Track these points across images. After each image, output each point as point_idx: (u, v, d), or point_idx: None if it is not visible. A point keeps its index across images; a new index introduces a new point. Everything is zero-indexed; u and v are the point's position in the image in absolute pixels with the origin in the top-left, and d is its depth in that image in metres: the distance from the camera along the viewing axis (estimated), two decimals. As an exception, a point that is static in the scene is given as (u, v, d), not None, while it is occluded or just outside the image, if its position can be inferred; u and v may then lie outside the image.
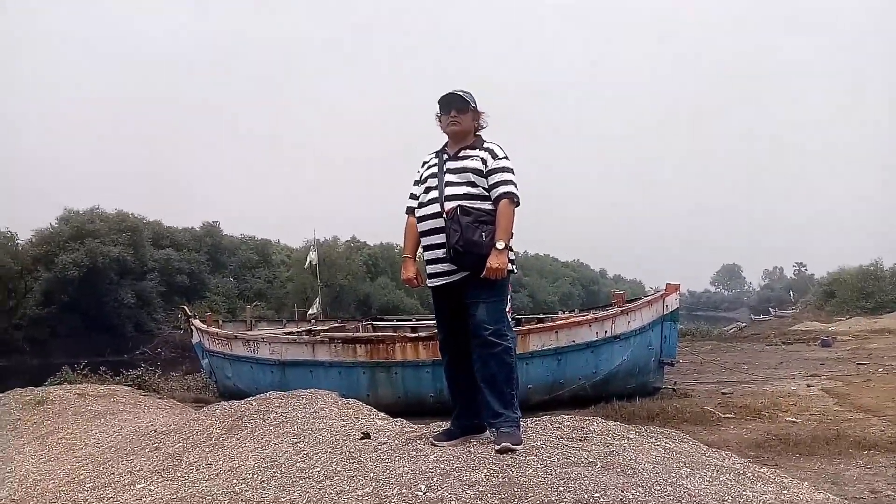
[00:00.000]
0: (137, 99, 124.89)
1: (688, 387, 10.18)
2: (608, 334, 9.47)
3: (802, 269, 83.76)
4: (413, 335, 9.81)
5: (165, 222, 39.71)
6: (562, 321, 10.07)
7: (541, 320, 11.10)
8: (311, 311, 13.97)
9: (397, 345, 9.41)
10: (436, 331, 3.79)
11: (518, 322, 10.38)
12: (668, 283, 10.44)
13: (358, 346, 9.59)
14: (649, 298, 10.33)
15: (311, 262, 15.31)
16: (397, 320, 13.82)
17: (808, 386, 9.49)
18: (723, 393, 9.24)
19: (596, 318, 9.65)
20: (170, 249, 36.43)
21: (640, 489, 2.76)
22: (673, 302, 10.22)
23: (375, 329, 12.47)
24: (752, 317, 48.19)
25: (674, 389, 9.89)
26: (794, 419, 7.14)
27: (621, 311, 9.68)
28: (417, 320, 12.90)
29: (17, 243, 31.94)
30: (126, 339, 30.24)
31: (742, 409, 7.70)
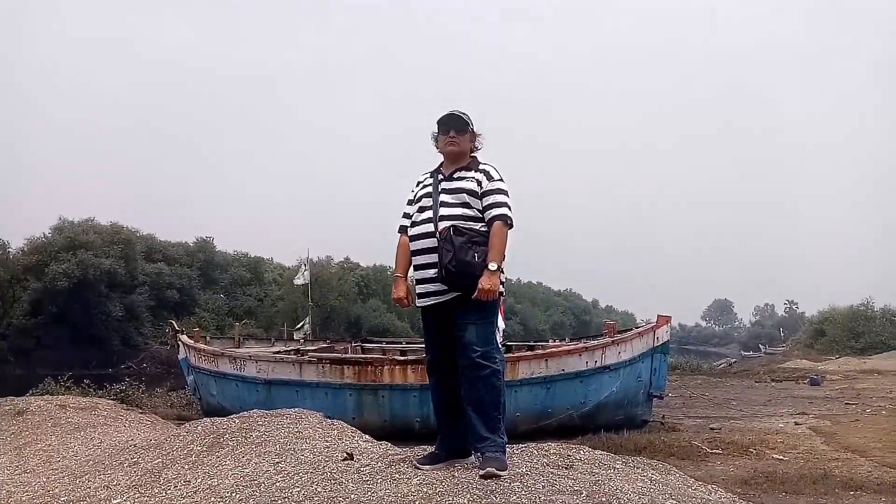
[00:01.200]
0: (139, 113, 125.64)
1: (676, 421, 10.12)
2: (598, 364, 9.43)
3: (793, 306, 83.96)
4: (402, 358, 9.75)
5: (160, 236, 39.72)
6: (552, 350, 10.03)
7: (531, 348, 11.07)
8: (299, 332, 13.84)
9: (385, 367, 9.34)
10: (424, 354, 3.75)
11: (508, 349, 10.34)
12: (659, 316, 10.45)
13: (346, 367, 9.51)
14: (640, 330, 10.32)
15: (302, 278, 15.26)
16: (386, 343, 13.74)
17: (797, 424, 9.46)
18: (711, 428, 9.19)
19: (586, 348, 9.63)
20: (161, 264, 36.26)
21: (624, 521, 2.72)
22: (664, 334, 10.21)
23: (364, 351, 12.38)
24: (742, 353, 48.24)
25: (662, 423, 9.83)
26: (781, 457, 7.09)
27: (612, 341, 9.66)
28: (407, 343, 12.83)
29: (9, 251, 31.75)
30: (112, 352, 29.95)
31: (730, 445, 7.66)
